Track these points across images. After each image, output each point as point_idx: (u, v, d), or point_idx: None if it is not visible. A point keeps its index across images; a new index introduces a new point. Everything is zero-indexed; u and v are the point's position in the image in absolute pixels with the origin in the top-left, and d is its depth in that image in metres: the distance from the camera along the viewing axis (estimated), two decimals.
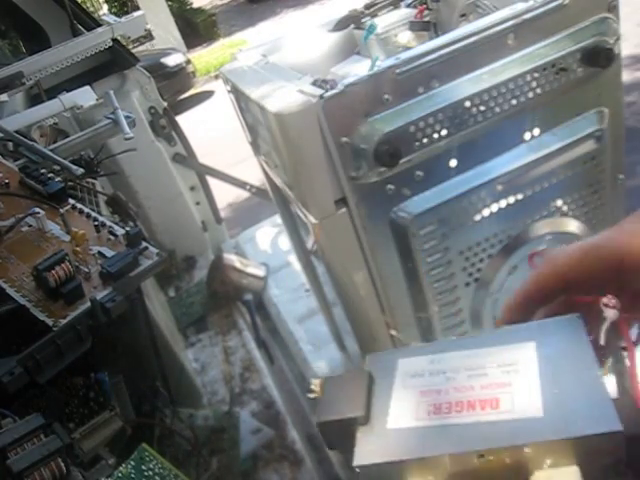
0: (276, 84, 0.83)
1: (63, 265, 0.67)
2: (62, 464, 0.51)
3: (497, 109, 0.77)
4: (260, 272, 1.92)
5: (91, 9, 9.02)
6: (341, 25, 1.13)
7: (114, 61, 1.82)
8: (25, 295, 0.68)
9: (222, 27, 10.23)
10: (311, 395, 0.34)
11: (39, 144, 1.05)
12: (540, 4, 0.75)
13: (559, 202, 0.87)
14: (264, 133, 0.90)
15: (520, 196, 0.84)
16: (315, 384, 0.34)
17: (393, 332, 0.89)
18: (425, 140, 0.75)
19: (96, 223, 0.79)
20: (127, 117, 1.13)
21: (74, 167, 0.94)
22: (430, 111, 0.74)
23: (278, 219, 1.54)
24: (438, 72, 0.73)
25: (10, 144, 1.04)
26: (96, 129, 1.12)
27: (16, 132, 1.07)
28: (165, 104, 2.02)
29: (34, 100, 1.48)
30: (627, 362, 0.31)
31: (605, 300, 0.32)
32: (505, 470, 0.28)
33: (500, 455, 0.28)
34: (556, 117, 0.82)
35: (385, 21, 1.09)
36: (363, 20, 1.12)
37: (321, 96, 0.71)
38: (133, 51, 1.96)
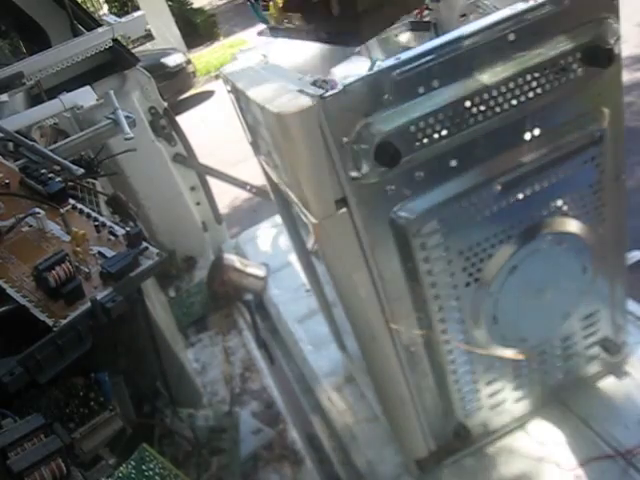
0: (276, 84, 0.83)
1: (63, 265, 0.67)
2: (62, 464, 0.52)
3: (497, 109, 0.77)
4: (260, 272, 1.92)
5: (91, 9, 9.02)
6: None
7: (114, 61, 1.82)
8: (25, 295, 0.68)
9: (222, 27, 10.23)
10: None
11: (39, 144, 1.05)
12: (540, 4, 0.75)
13: (559, 202, 0.87)
14: (264, 133, 0.90)
15: (520, 196, 0.84)
16: None
17: (393, 325, 0.88)
18: (425, 140, 0.75)
19: (96, 223, 0.79)
20: (127, 117, 1.13)
21: (74, 167, 0.94)
22: (430, 111, 0.74)
23: (278, 219, 1.54)
24: (438, 72, 0.73)
25: (10, 144, 1.04)
26: (96, 129, 1.12)
27: (16, 132, 1.07)
28: (165, 104, 2.02)
29: (34, 100, 1.48)
30: None
31: None
32: None
33: None
34: (556, 117, 0.82)
35: None
36: None
37: (321, 96, 0.71)
38: (133, 51, 1.96)
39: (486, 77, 0.75)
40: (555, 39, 0.77)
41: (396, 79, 0.72)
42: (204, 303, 1.94)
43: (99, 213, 0.87)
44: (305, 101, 0.71)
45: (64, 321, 0.64)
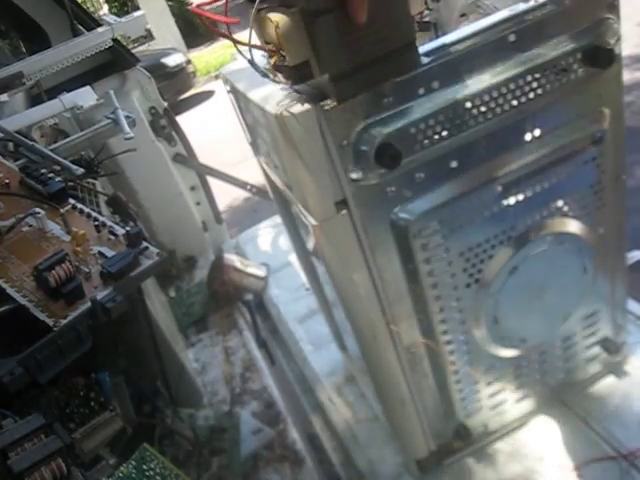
0: (276, 85, 0.83)
1: (63, 265, 0.67)
2: (63, 464, 0.52)
3: (498, 110, 0.77)
4: (260, 272, 1.92)
5: (91, 9, 9.02)
6: None
7: (114, 61, 1.83)
8: (25, 295, 0.68)
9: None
10: None
11: (39, 144, 1.05)
12: (541, 4, 0.75)
13: (560, 203, 0.87)
14: (264, 134, 0.90)
15: (521, 197, 0.84)
16: None
17: (393, 327, 0.88)
18: (426, 141, 0.75)
19: (96, 223, 0.79)
20: (127, 117, 1.13)
21: (74, 167, 0.95)
22: (431, 112, 0.74)
23: (278, 219, 1.54)
24: (438, 73, 0.73)
25: (10, 144, 1.04)
26: (96, 129, 1.12)
27: (16, 132, 1.07)
28: (165, 104, 2.02)
29: (34, 100, 1.48)
30: None
31: None
32: None
33: None
34: (557, 118, 0.82)
35: None
36: None
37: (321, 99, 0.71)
38: (133, 51, 1.96)
39: (486, 78, 0.75)
40: (556, 40, 0.77)
41: (396, 80, 0.71)
42: (204, 303, 1.94)
43: (99, 213, 0.87)
44: (305, 102, 0.71)
45: (64, 321, 0.64)
